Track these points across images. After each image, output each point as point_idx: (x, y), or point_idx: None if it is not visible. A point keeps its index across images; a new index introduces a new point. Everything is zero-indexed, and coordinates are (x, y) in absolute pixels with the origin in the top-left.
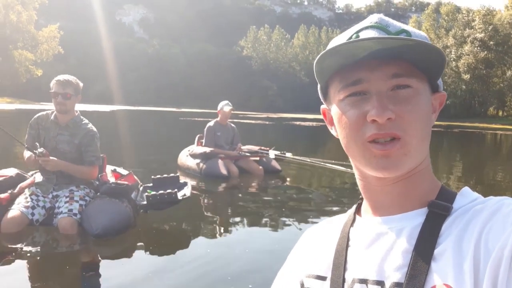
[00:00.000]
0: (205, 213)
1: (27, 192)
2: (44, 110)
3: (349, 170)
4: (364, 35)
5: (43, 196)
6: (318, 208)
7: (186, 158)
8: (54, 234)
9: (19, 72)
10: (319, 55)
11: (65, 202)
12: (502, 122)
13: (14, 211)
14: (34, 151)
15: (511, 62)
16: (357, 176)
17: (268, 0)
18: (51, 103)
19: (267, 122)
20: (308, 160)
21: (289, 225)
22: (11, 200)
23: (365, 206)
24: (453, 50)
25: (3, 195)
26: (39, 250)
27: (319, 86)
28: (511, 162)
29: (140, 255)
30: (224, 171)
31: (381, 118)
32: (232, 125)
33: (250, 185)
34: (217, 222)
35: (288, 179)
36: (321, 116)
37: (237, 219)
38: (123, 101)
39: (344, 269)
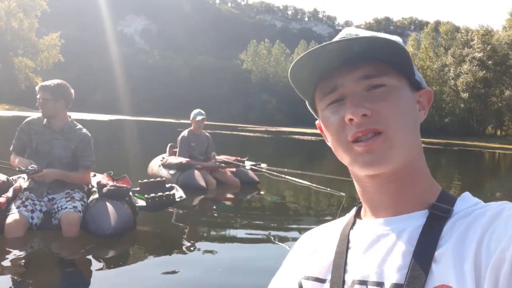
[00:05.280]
0: (187, 224)
1: (22, 196)
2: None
3: (323, 189)
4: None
5: (38, 200)
6: (295, 220)
7: (158, 168)
8: (54, 237)
9: (19, 79)
10: (290, 69)
11: (67, 201)
12: (500, 141)
13: (16, 215)
14: (26, 170)
15: (509, 82)
16: (354, 181)
17: (269, 15)
18: None
19: (265, 136)
20: (283, 176)
21: (268, 238)
22: (8, 205)
23: (365, 209)
24: (451, 69)
25: (1, 199)
26: (41, 254)
27: (307, 102)
28: (510, 181)
29: (138, 257)
30: (202, 182)
31: (355, 115)
32: (207, 134)
33: (228, 196)
34: (202, 232)
35: (265, 190)
36: (319, 131)
37: (219, 231)
38: (123, 111)
39: (344, 271)
